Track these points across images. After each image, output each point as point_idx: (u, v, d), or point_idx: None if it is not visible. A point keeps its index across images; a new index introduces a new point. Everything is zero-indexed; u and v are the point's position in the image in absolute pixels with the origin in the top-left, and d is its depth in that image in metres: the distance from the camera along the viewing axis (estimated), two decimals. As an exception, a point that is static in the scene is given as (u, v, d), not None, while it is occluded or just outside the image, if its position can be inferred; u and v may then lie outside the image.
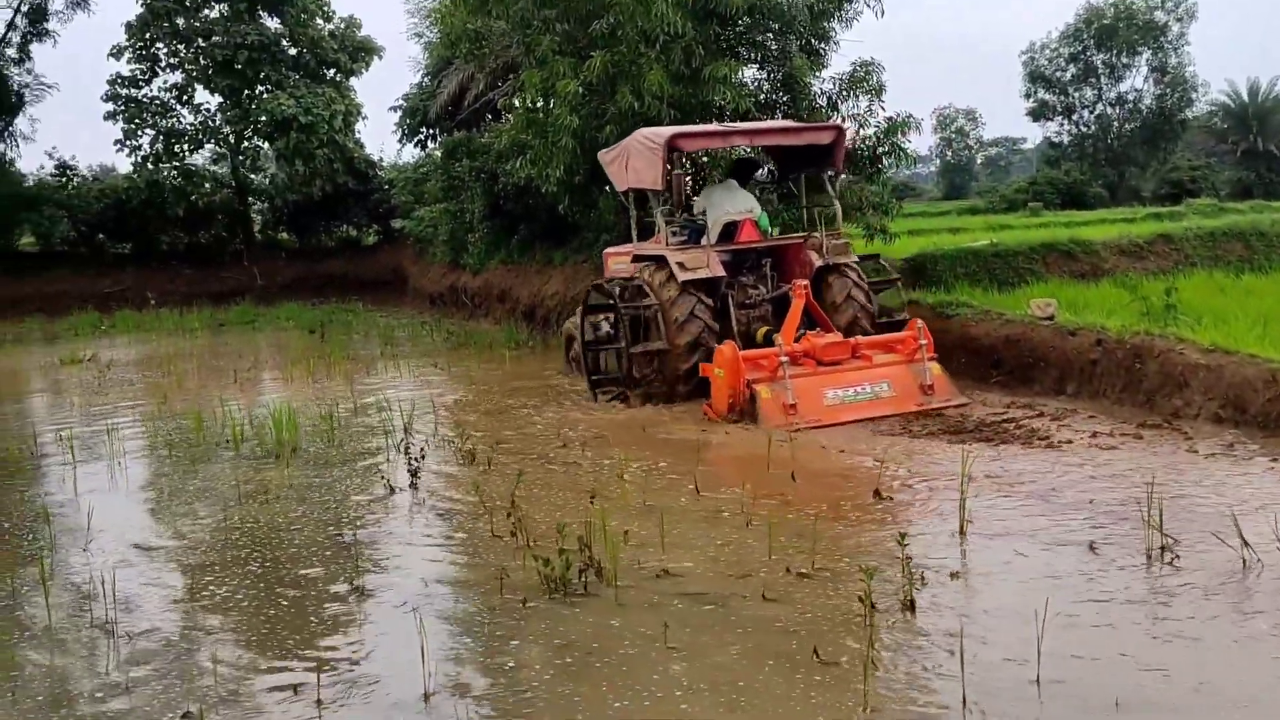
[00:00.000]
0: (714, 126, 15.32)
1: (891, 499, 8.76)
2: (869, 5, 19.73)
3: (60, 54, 74.66)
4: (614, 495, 9.17)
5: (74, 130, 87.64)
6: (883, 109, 19.86)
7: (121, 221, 37.60)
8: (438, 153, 30.44)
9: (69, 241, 37.56)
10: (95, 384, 17.95)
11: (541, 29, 19.33)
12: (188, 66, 38.24)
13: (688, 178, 16.44)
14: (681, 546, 7.75)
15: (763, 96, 19.56)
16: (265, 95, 37.33)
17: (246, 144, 39.42)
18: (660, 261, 13.41)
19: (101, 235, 38.09)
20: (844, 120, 19.95)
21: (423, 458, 9.97)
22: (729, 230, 14.01)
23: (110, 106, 37.74)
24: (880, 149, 19.99)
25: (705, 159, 19.09)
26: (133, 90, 38.15)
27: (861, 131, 19.95)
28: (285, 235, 41.23)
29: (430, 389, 15.65)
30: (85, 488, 10.30)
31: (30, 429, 13.63)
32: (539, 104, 20.28)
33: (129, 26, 37.45)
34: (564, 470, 10.25)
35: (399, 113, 32.66)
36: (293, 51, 38.71)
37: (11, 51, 36.55)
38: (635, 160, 14.10)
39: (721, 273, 13.28)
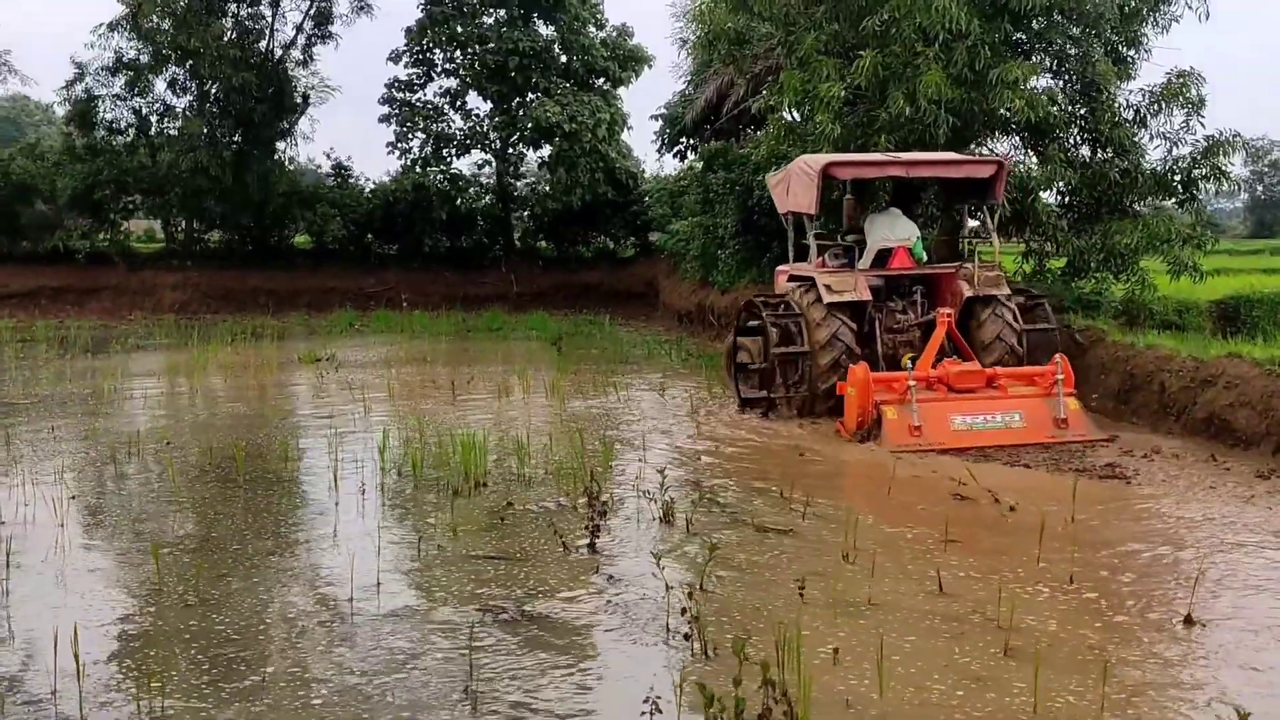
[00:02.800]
0: (871, 156, 15.39)
1: (1202, 624, 6.44)
2: (1190, 6, 16.84)
3: (342, 57, 78.43)
4: (832, 578, 7.25)
5: (348, 132, 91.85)
6: (1202, 125, 16.96)
7: (390, 222, 38.23)
8: (698, 164, 29.13)
9: (340, 240, 38.49)
10: (316, 386, 17.44)
11: (806, 27, 17.53)
12: (462, 72, 38.57)
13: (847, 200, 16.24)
14: (906, 678, 5.72)
15: (1056, 108, 16.96)
16: (533, 102, 37.11)
17: (512, 150, 39.43)
18: (810, 283, 13.93)
19: (370, 235, 38.87)
20: (1151, 137, 17.30)
21: (604, 515, 8.26)
22: (883, 256, 14.32)
23: (385, 109, 38.56)
24: (1196, 172, 17.07)
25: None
26: (407, 94, 38.84)
27: (1174, 151, 17.14)
28: (544, 244, 40.96)
29: (640, 417, 14.09)
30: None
31: (198, 438, 12.87)
32: (799, 110, 18.50)
33: (408, 31, 38.09)
34: (774, 542, 8.33)
35: (660, 121, 31.52)
36: (563, 59, 38.42)
37: (296, 53, 37.74)
38: (795, 184, 14.62)
39: (867, 296, 13.72)
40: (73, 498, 9.56)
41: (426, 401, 15.56)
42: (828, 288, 13.57)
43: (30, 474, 10.31)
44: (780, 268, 16.38)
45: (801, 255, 15.29)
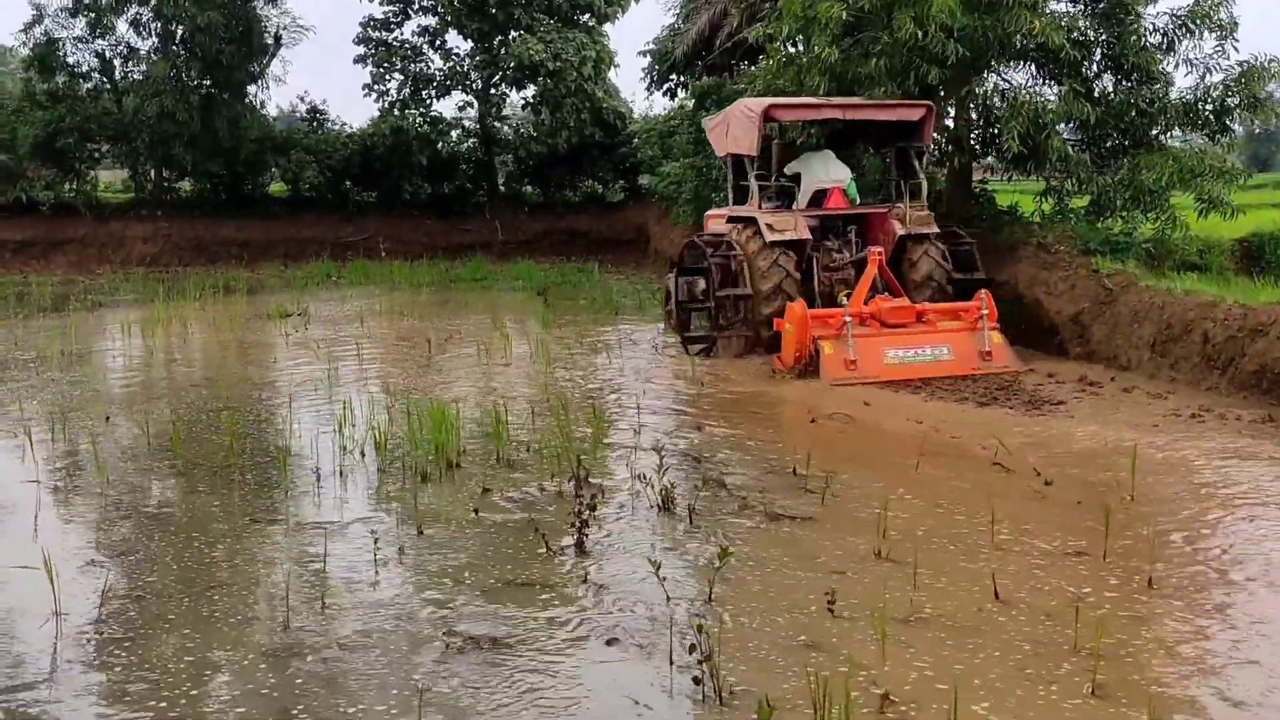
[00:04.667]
0: (810, 99, 15.72)
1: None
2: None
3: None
4: (866, 582, 6.08)
5: (324, 73, 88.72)
6: (1235, 49, 15.64)
7: (368, 169, 36.64)
8: (689, 103, 27.66)
9: (316, 188, 36.94)
10: (281, 346, 16.14)
11: (807, -55, 16.06)
12: (440, 9, 36.82)
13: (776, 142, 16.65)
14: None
15: (1076, 32, 15.59)
16: (516, 40, 35.43)
17: (494, 91, 37.80)
18: (751, 223, 14.46)
19: (348, 182, 37.29)
20: (1178, 64, 15.97)
21: (593, 509, 7.00)
22: (819, 197, 14.97)
23: (361, 49, 36.84)
24: (1230, 101, 15.76)
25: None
26: (384, 33, 37.11)
27: (1208, 78, 15.80)
28: (529, 189, 39.42)
29: (633, 378, 12.86)
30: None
31: (138, 412, 11.59)
32: (799, 38, 17.09)
33: (383, -34, 36.31)
34: (791, 534, 7.12)
35: (648, 58, 29.95)
36: (546, -7, 36.72)
37: (266, -10, 35.90)
38: (735, 128, 14.95)
39: (807, 235, 14.28)
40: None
41: (399, 364, 14.29)
42: (769, 226, 14.11)
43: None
44: (711, 211, 17.05)
45: (741, 198, 15.50)
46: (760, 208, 14.64)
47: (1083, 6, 16.58)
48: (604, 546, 6.88)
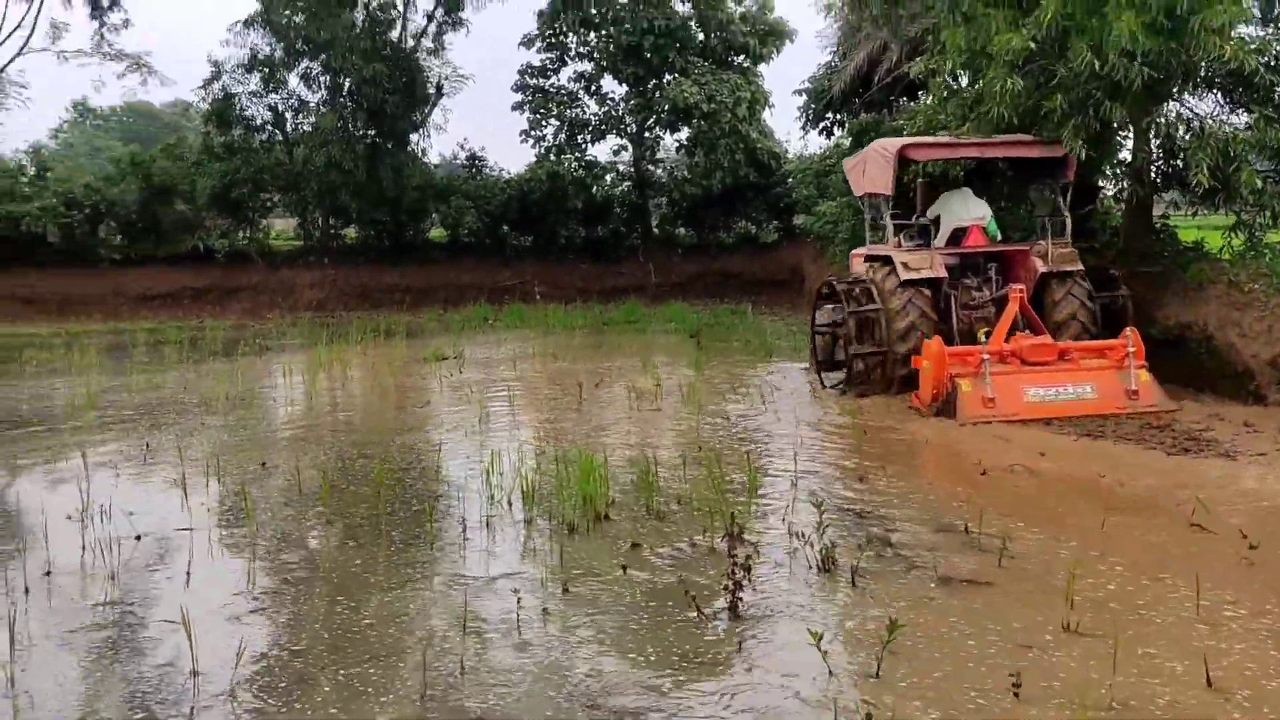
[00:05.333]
0: (945, 139, 15.77)
1: None
2: None
3: (473, 43, 77.48)
4: (1055, 661, 5.44)
5: (483, 121, 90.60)
6: None
7: (525, 214, 37.15)
8: (845, 141, 27.07)
9: (475, 233, 37.60)
10: (435, 390, 16.16)
11: (972, -24, 15.41)
12: (596, 55, 37.21)
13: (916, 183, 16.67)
14: None
15: (1271, 57, 14.47)
16: (670, 83, 35.48)
17: (648, 134, 37.92)
18: (887, 261, 14.40)
19: (505, 227, 37.84)
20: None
21: (747, 570, 6.51)
22: (958, 235, 14.77)
23: (519, 97, 37.46)
24: None
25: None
26: (541, 80, 37.68)
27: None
28: (682, 231, 39.33)
29: (790, 423, 12.31)
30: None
31: (289, 459, 11.58)
32: (964, 71, 16.41)
33: (540, 15, 36.90)
34: (967, 601, 6.48)
35: (804, 96, 29.49)
36: (700, 36, 36.73)
37: (428, 42, 36.87)
38: (871, 168, 15.11)
39: (943, 274, 14.17)
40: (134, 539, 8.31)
41: (549, 409, 14.08)
42: (904, 265, 14.04)
43: (57, 500, 9.15)
44: (855, 250, 16.71)
45: (878, 237, 15.70)
46: (899, 246, 14.71)
47: (1274, 29, 15.45)
48: (759, 611, 6.38)
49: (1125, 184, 16.75)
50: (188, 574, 7.37)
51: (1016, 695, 5.07)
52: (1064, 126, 14.41)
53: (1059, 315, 13.95)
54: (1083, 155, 14.40)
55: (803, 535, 7.45)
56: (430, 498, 9.17)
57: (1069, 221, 14.82)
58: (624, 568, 7.20)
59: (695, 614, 6.29)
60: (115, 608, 6.63)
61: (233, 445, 12.06)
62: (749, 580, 6.50)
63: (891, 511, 8.63)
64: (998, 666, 5.48)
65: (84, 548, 7.78)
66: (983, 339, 13.46)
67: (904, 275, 13.95)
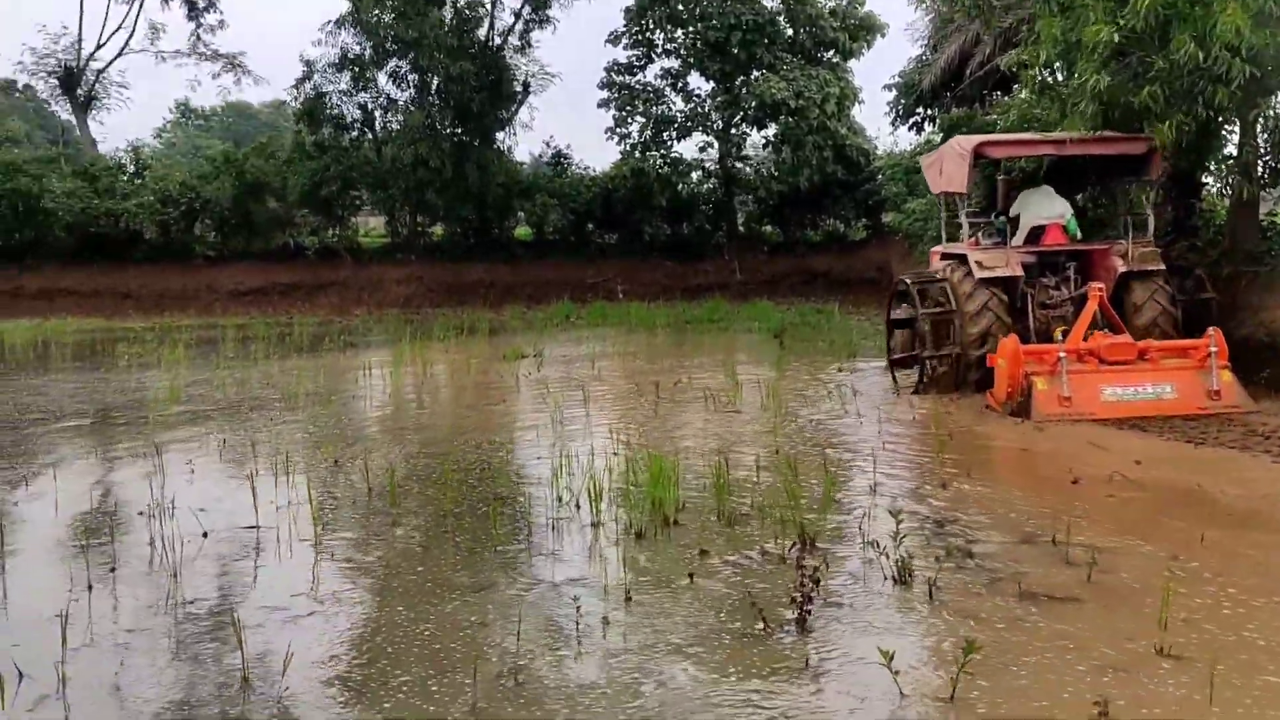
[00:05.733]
0: (1023, 135, 15.76)
1: None
2: None
3: (560, 41, 77.87)
4: (1147, 687, 5.09)
5: (569, 118, 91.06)
6: None
7: (609, 211, 37.14)
8: (935, 136, 26.47)
9: (560, 231, 37.67)
10: (512, 389, 16.06)
11: (1069, -36, 14.85)
12: (683, 51, 37.00)
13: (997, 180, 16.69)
14: None
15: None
16: (757, 79, 35.12)
17: (735, 131, 37.59)
18: (963, 260, 14.32)
19: (590, 225, 37.83)
20: None
21: (816, 583, 6.21)
22: (1036, 233, 14.65)
23: (604, 94, 37.40)
24: None
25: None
26: (627, 77, 37.59)
27: None
28: (768, 228, 38.98)
29: (871, 428, 11.93)
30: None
31: (359, 457, 11.51)
32: (1060, 63, 15.82)
33: (627, 11, 36.83)
34: (1052, 619, 6.10)
35: (893, 91, 28.93)
36: (789, 32, 36.35)
37: (514, 40, 36.98)
38: (948, 165, 14.89)
39: (1019, 272, 14.06)
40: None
41: (625, 410, 13.88)
42: (979, 264, 13.98)
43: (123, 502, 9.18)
44: (934, 249, 16.57)
45: (955, 235, 15.60)
46: (977, 244, 14.73)
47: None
48: (829, 625, 6.08)
49: (1231, 180, 16.06)
50: (252, 574, 7.30)
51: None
52: (1163, 120, 13.79)
53: (1139, 316, 13.75)
54: (1183, 149, 13.82)
55: (879, 545, 7.12)
56: (497, 499, 9.00)
57: (1152, 220, 14.71)
58: (691, 576, 6.95)
59: (761, 627, 6.02)
60: (172, 607, 6.57)
61: (308, 442, 12.07)
62: (819, 593, 6.20)
63: (974, 521, 8.24)
64: (1083, 691, 5.12)
65: (151, 543, 7.77)
66: (1059, 338, 13.34)
67: (979, 274, 13.86)
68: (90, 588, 6.87)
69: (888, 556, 6.95)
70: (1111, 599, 6.44)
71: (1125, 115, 14.31)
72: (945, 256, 15.15)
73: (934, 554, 7.21)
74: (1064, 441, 11.15)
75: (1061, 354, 12.35)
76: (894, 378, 15.40)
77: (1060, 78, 16.05)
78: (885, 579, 6.82)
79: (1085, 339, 12.90)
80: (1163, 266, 14.11)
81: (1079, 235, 14.95)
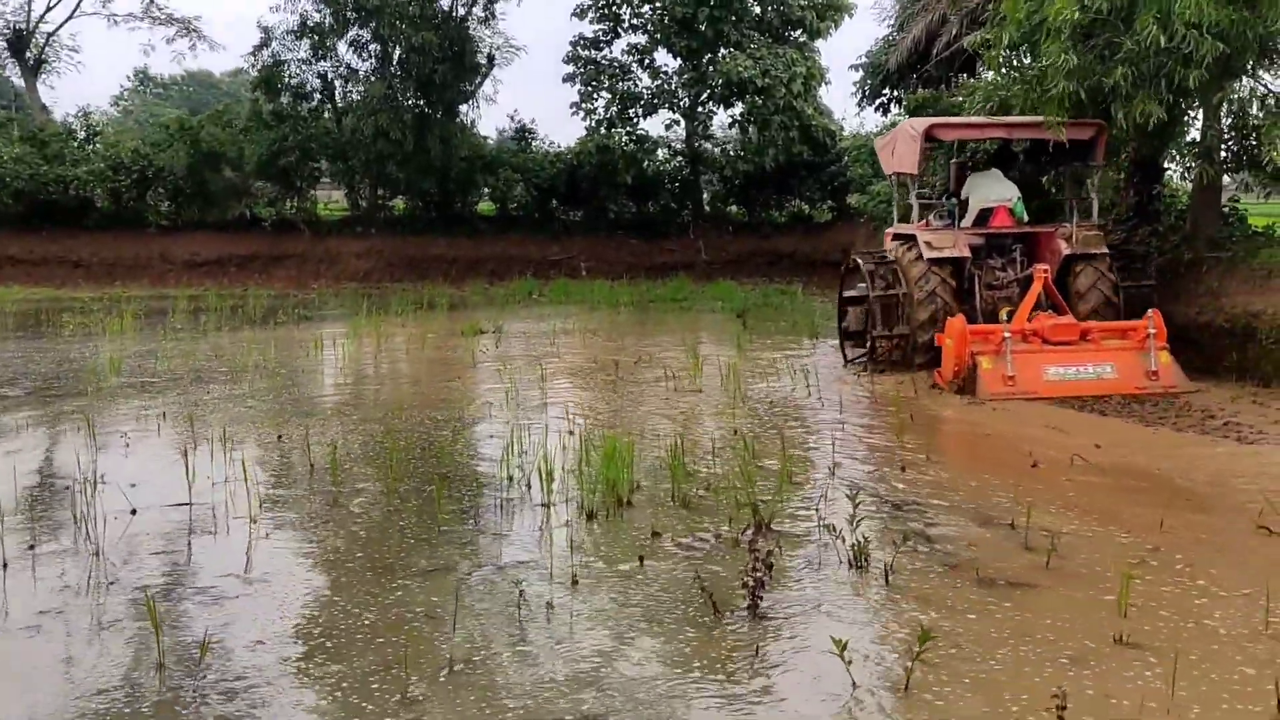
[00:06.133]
0: (973, 119, 16.05)
1: None
2: None
3: (525, 13, 76.89)
4: (1107, 681, 4.89)
5: (533, 93, 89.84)
6: None
7: (574, 188, 36.66)
8: (901, 118, 26.25)
9: (524, 206, 37.22)
10: (468, 364, 15.74)
11: (1032, -57, 14.63)
12: (650, 27, 36.52)
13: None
14: None
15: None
16: (724, 57, 34.75)
17: (701, 109, 37.21)
18: (912, 240, 14.52)
19: (554, 201, 37.38)
20: None
21: (769, 568, 5.97)
22: (984, 215, 14.91)
23: (570, 69, 36.90)
24: None
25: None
26: (593, 52, 37.10)
27: None
28: (734, 208, 38.65)
29: (832, 409, 11.74)
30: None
31: (299, 431, 11.17)
32: (1024, 44, 15.62)
33: (595, -15, 36.27)
34: (1009, 606, 5.91)
35: (860, 72, 28.66)
36: (756, 10, 35.91)
37: (479, 11, 36.32)
38: (900, 146, 15.14)
39: (966, 253, 14.29)
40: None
41: (583, 388, 13.60)
42: (928, 244, 14.19)
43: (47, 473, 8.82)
44: (888, 229, 16.71)
45: (906, 216, 15.74)
46: (928, 225, 14.90)
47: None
48: (782, 612, 5.85)
49: (1193, 165, 15.97)
50: (182, 554, 6.97)
51: (1061, 717, 4.50)
52: (1130, 101, 13.63)
53: (1083, 299, 14.00)
54: (1148, 133, 13.70)
55: (835, 529, 6.91)
56: (444, 478, 8.71)
57: (1096, 203, 14.94)
58: (641, 559, 6.70)
59: (713, 613, 5.78)
60: (91, 588, 6.24)
61: (251, 416, 11.71)
62: (771, 578, 5.97)
63: (932, 504, 8.05)
64: (1041, 683, 4.93)
65: (75, 520, 7.42)
66: (1005, 319, 13.55)
67: (928, 254, 14.08)
68: (4, 565, 6.52)
69: (844, 540, 6.74)
70: (1070, 585, 6.27)
71: (1093, 97, 14.14)
72: (896, 237, 15.36)
73: (891, 538, 7.00)
74: (1024, 425, 11.01)
75: (1006, 334, 12.62)
76: (844, 353, 15.77)
77: (1027, 60, 15.87)
78: (841, 563, 6.61)
79: (1030, 320, 13.19)
80: (1106, 250, 14.34)
81: (1025, 218, 15.15)
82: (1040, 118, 14.38)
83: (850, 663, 4.91)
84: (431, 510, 7.81)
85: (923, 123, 15.16)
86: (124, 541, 7.12)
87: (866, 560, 6.54)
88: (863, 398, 12.86)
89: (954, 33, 20.65)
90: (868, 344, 14.87)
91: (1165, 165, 18.42)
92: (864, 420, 11.55)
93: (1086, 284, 14.10)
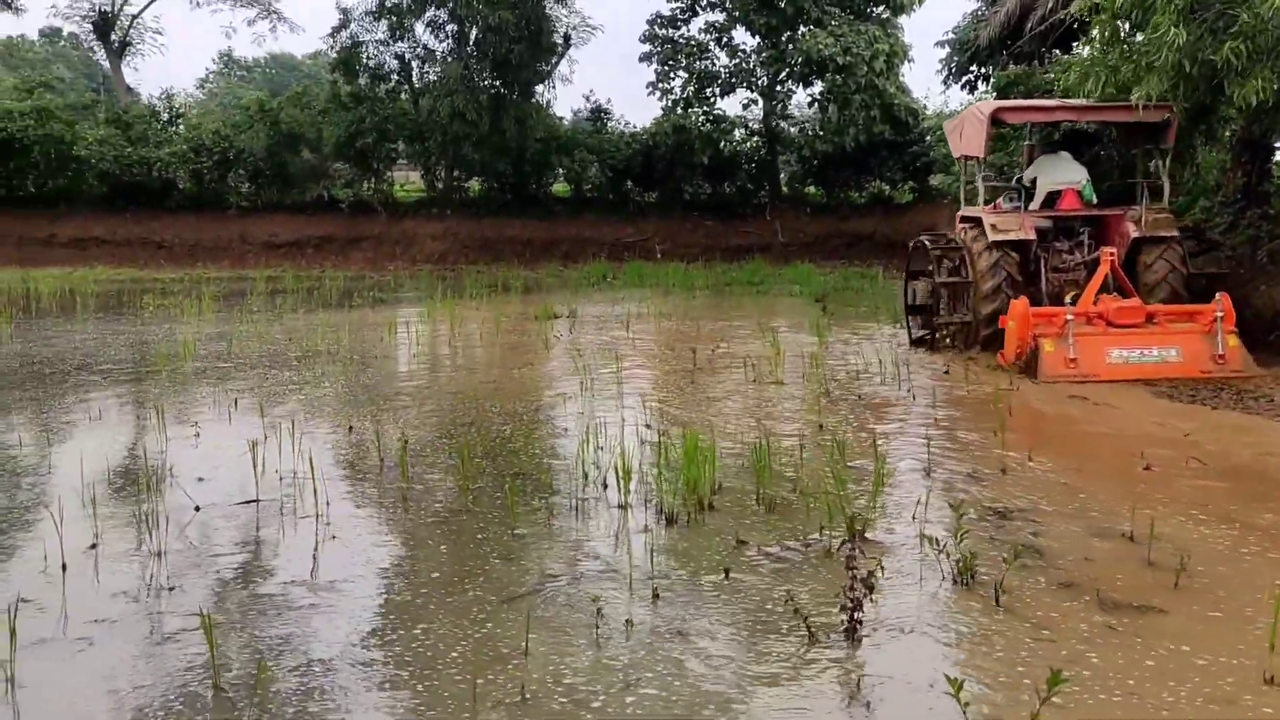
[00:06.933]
0: (1041, 101, 16.42)
1: None
2: None
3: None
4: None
5: (611, 73, 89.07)
6: None
7: (649, 169, 36.25)
8: (989, 95, 25.38)
9: (598, 188, 36.86)
10: (542, 350, 15.38)
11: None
12: (729, 4, 35.88)
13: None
14: None
15: None
16: (804, 35, 34.00)
17: (780, 88, 36.50)
18: (979, 223, 14.51)
19: (629, 182, 36.96)
20: None
21: (869, 589, 5.46)
22: (1052, 198, 14.90)
23: (647, 48, 36.41)
24: None
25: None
26: (670, 30, 36.55)
27: None
28: (813, 189, 37.91)
29: (925, 404, 11.15)
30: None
31: (365, 421, 10.86)
32: (1129, 16, 14.78)
33: (673, -37, 35.67)
34: (1137, 633, 5.34)
35: (946, 49, 27.77)
36: (839, -15, 35.05)
37: (555, -12, 35.95)
38: (967, 129, 15.29)
39: (1031, 236, 14.31)
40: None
41: (659, 378, 13.15)
42: (993, 226, 14.22)
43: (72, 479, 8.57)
44: (959, 212, 16.56)
45: (975, 199, 15.68)
46: (997, 208, 14.98)
47: None
48: (883, 637, 5.35)
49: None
50: (242, 555, 6.66)
51: (1211, 778, 3.97)
52: (1245, 78, 12.78)
53: (1150, 280, 13.96)
54: (1262, 112, 12.87)
55: (937, 542, 6.37)
56: (517, 475, 8.32)
57: (1167, 186, 14.83)
58: (726, 571, 6.24)
59: (804, 633, 5.31)
60: (150, 595, 5.94)
61: (322, 405, 11.46)
62: (871, 599, 5.46)
63: (1039, 510, 7.46)
64: (1181, 728, 4.38)
65: (137, 519, 7.15)
66: (1070, 301, 13.55)
67: (993, 236, 14.10)
68: (64, 567, 6.25)
69: (947, 554, 6.20)
70: (1205, 610, 5.67)
71: (1204, 73, 13.31)
72: (964, 219, 15.35)
73: (997, 550, 6.45)
74: (1133, 421, 10.33)
75: (1069, 316, 12.62)
76: (908, 328, 16.03)
77: (1137, 36, 15.04)
78: (944, 579, 6.08)
79: (1095, 303, 13.18)
80: (1176, 233, 14.22)
81: (1094, 200, 15.08)
82: (1112, 102, 14.18)
83: (967, 705, 4.40)
84: (505, 512, 7.42)
85: (989, 105, 15.32)
86: (188, 541, 6.82)
87: (973, 577, 6.01)
88: (953, 388, 12.23)
89: (1049, 5, 19.75)
90: (932, 326, 15.05)
91: (1276, 145, 17.47)
92: (957, 414, 10.94)
93: (1154, 267, 13.99)
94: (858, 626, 5.32)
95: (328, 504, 7.56)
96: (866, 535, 6.70)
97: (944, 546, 6.29)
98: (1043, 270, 14.44)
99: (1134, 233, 14.17)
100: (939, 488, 7.94)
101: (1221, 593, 5.88)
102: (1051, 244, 14.60)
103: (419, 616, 5.64)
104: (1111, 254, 13.66)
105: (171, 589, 6.00)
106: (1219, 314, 12.51)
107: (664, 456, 8.12)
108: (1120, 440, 9.70)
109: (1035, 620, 5.54)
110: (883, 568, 6.08)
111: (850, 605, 5.37)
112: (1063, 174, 15.05)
